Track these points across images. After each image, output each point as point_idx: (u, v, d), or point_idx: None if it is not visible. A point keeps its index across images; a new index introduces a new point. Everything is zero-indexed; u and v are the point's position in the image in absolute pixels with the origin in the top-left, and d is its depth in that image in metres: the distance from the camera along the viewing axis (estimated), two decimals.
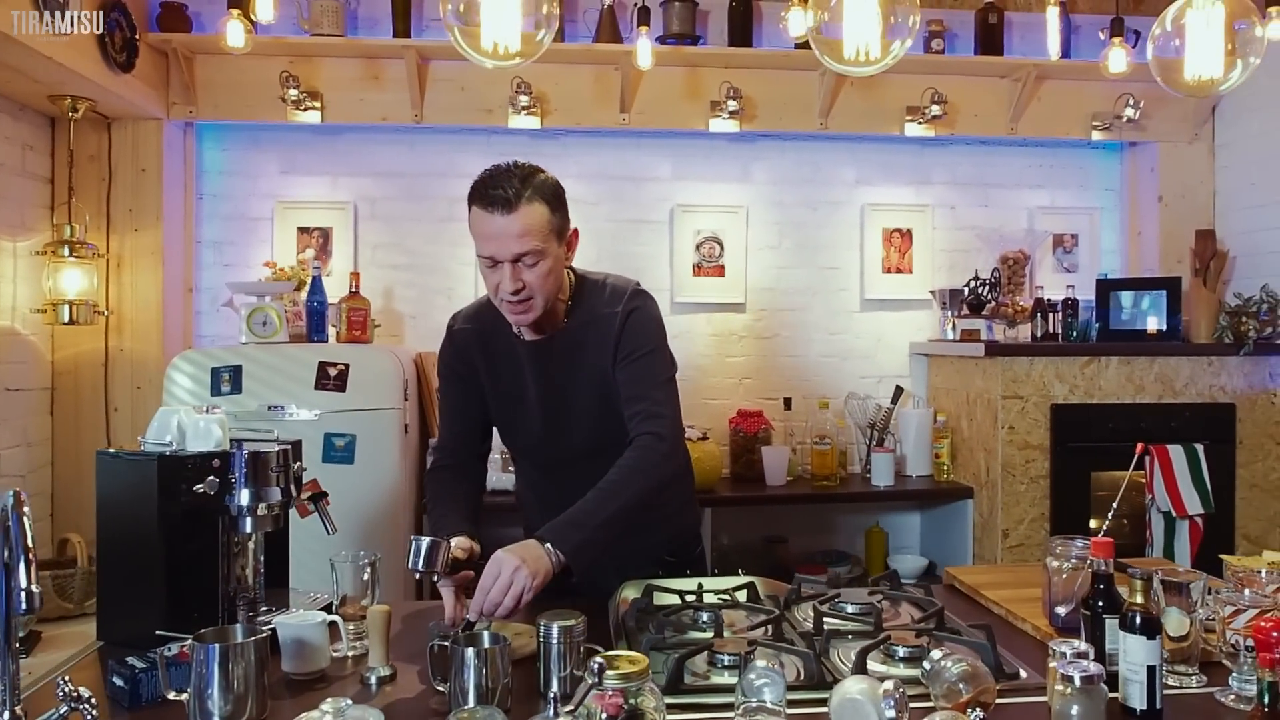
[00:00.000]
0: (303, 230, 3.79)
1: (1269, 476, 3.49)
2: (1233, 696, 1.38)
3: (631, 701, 1.18)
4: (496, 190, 1.73)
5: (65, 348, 3.43)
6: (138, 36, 3.23)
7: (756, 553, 3.74)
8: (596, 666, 1.17)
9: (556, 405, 1.94)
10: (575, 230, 1.89)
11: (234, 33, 3.01)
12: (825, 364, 4.02)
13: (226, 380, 3.06)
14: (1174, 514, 3.30)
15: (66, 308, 3.19)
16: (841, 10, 1.40)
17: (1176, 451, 3.32)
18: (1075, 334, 3.71)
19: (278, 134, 3.77)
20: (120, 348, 3.47)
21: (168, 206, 3.52)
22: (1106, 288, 3.75)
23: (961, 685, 1.30)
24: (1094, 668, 1.24)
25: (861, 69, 1.47)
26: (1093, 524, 3.37)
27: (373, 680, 1.50)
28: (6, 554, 1.20)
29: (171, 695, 1.36)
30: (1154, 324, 3.61)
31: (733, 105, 3.66)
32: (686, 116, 3.77)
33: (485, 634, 1.40)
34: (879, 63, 1.45)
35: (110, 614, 1.71)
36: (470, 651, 1.34)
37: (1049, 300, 3.72)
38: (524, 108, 3.58)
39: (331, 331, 3.46)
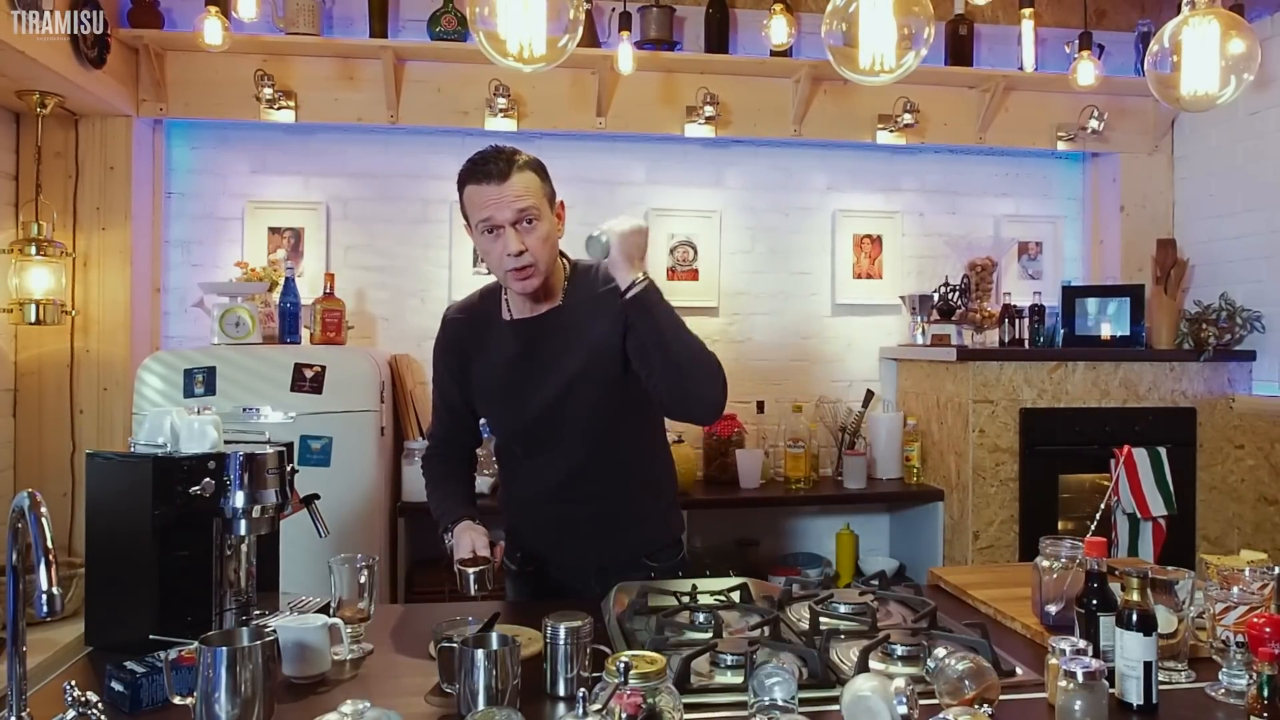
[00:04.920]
0: (274, 230, 3.73)
1: (1227, 479, 3.59)
2: (1223, 691, 1.43)
3: (650, 700, 1.19)
4: (487, 166, 1.81)
5: (29, 348, 3.35)
6: (109, 32, 3.17)
7: (729, 555, 3.76)
8: (622, 666, 1.17)
9: (550, 381, 1.93)
10: (562, 202, 1.97)
11: (211, 30, 2.98)
12: (797, 368, 4.06)
13: (200, 382, 3.01)
14: (1139, 515, 3.38)
15: (34, 307, 3.11)
16: (857, 20, 1.43)
17: (1141, 455, 3.40)
18: (1042, 340, 3.78)
19: (249, 133, 3.71)
20: (86, 348, 3.39)
21: (136, 205, 3.45)
22: (1072, 294, 3.84)
23: (966, 682, 1.33)
24: (1096, 664, 1.27)
25: (876, 78, 1.50)
26: (1060, 525, 3.45)
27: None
28: (15, 556, 1.18)
29: (176, 699, 1.34)
30: (1118, 330, 3.70)
31: (709, 111, 3.68)
32: (662, 121, 3.79)
33: (494, 635, 1.40)
34: (893, 73, 1.48)
35: (100, 619, 1.68)
36: (480, 653, 1.34)
37: (1015, 306, 3.80)
38: (501, 110, 3.57)
39: (305, 333, 3.43)
